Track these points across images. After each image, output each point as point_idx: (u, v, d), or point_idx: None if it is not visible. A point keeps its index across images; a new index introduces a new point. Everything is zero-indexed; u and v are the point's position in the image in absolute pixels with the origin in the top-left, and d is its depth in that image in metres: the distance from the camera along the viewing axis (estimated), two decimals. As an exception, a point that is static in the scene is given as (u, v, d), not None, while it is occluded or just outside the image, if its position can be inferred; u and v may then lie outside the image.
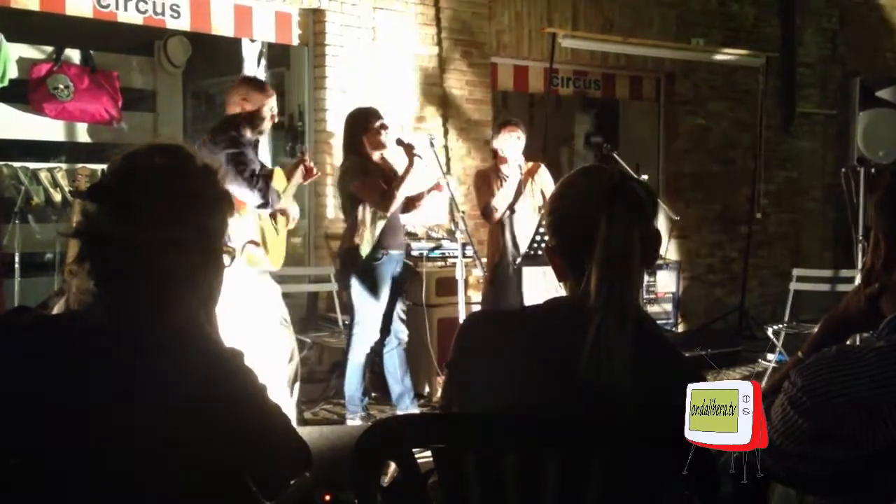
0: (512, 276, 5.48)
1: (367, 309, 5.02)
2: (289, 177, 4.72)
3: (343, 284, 5.25)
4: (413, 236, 6.21)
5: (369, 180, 4.93)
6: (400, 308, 5.23)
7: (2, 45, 6.06)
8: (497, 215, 5.46)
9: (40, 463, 1.36)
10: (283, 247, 4.62)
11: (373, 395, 5.41)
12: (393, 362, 5.22)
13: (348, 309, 5.25)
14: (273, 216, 4.49)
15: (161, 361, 1.40)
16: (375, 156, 5.04)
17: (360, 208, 4.95)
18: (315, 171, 4.87)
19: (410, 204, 5.21)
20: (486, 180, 5.56)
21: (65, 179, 6.64)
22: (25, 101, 6.51)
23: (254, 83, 4.66)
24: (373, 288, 5.01)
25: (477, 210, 6.02)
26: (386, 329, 5.13)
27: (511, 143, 5.45)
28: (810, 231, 9.45)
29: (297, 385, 4.60)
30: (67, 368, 1.39)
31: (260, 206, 4.34)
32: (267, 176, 4.48)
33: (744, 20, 8.84)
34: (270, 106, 4.50)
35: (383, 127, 5.02)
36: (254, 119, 4.43)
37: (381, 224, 4.94)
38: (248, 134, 4.43)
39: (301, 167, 4.77)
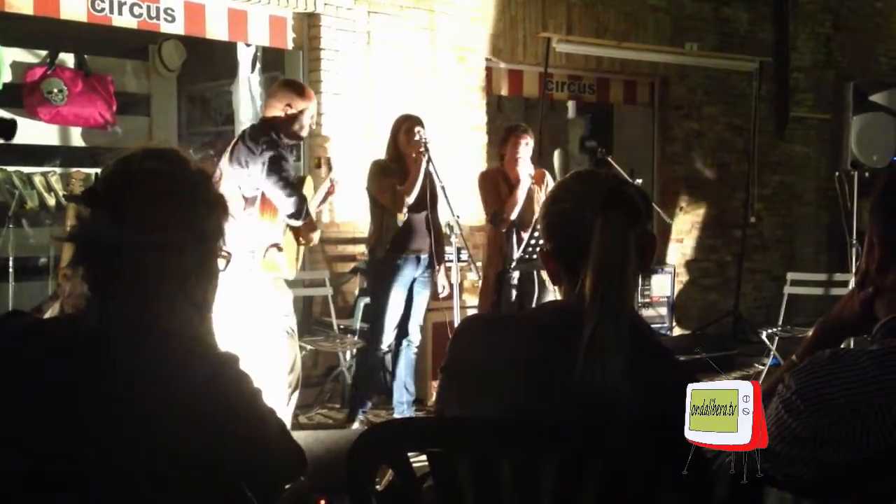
0: (516, 285, 5.47)
1: (383, 310, 5.06)
2: (315, 189, 4.69)
3: (360, 288, 5.30)
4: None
5: (385, 181, 4.95)
6: (418, 311, 5.24)
7: (-4, 50, 6.06)
8: (507, 224, 5.41)
9: (34, 468, 1.36)
10: (299, 257, 4.57)
11: (370, 400, 5.40)
12: (400, 364, 5.25)
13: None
14: (295, 230, 4.38)
15: (155, 365, 1.40)
16: (408, 160, 5.04)
17: (381, 210, 5.00)
18: (334, 189, 4.81)
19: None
20: (492, 185, 5.48)
21: (59, 183, 6.63)
22: (20, 106, 6.49)
23: (297, 87, 4.49)
24: (388, 290, 5.04)
25: (472, 214, 6.01)
26: (401, 331, 5.16)
27: (520, 149, 5.41)
28: (804, 235, 9.47)
29: (296, 395, 4.57)
30: (61, 373, 1.39)
31: (291, 216, 4.25)
32: (299, 184, 4.41)
33: (738, 25, 8.87)
34: (312, 112, 4.40)
35: (409, 131, 5.03)
36: (294, 125, 4.31)
37: (397, 227, 4.96)
38: (286, 139, 4.33)
39: (326, 185, 4.71)
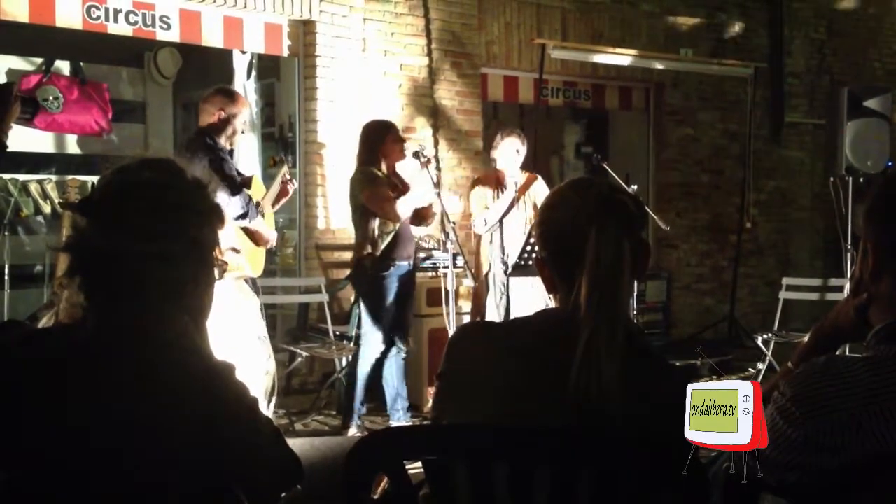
0: (500, 287, 5.53)
1: (374, 321, 5.03)
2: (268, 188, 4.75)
3: (356, 295, 5.28)
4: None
5: (377, 190, 4.92)
6: (409, 317, 5.24)
7: (-9, 57, 6.06)
8: (485, 229, 5.47)
9: (31, 476, 1.35)
10: (263, 255, 4.61)
11: (366, 405, 5.39)
12: (391, 370, 5.22)
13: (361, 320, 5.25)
14: (249, 234, 4.44)
15: (151, 375, 1.40)
16: (391, 168, 5.04)
17: (370, 219, 4.96)
18: (290, 190, 4.85)
19: (422, 217, 5.20)
20: (482, 190, 5.59)
21: (55, 191, 6.63)
22: (15, 113, 6.48)
23: (228, 93, 4.66)
24: (380, 300, 5.02)
25: (467, 220, 6.02)
26: (390, 339, 5.14)
27: (509, 155, 5.46)
28: (799, 240, 9.48)
29: (274, 400, 4.58)
30: (57, 383, 1.39)
31: (238, 218, 4.31)
32: (246, 183, 4.47)
33: (732, 31, 8.89)
34: (244, 117, 4.52)
35: (399, 139, 5.04)
36: (227, 128, 4.44)
37: (388, 235, 4.94)
38: (222, 143, 4.44)
39: (279, 183, 4.77)
